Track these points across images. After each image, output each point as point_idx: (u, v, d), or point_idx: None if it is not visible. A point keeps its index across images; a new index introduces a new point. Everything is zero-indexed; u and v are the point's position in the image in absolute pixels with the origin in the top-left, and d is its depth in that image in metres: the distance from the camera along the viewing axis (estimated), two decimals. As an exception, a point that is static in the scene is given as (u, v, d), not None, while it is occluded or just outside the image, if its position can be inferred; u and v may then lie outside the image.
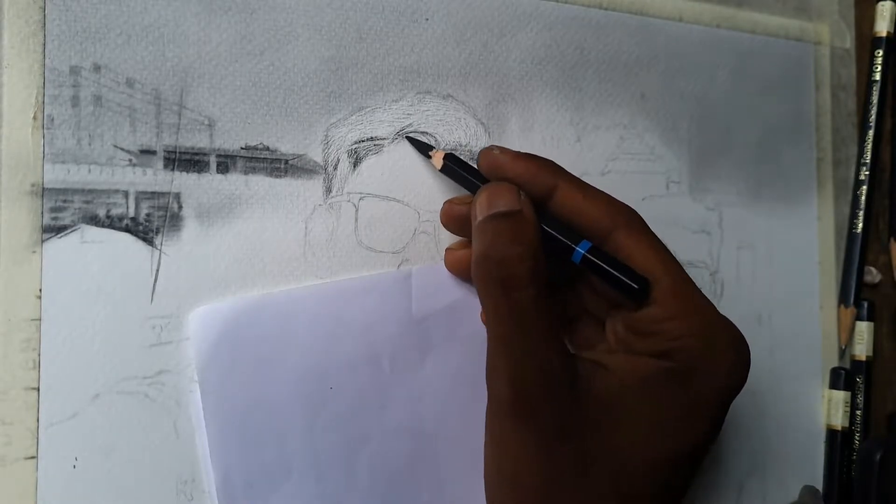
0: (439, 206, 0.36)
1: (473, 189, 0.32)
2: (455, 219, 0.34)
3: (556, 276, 0.33)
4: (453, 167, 0.33)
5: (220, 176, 0.32)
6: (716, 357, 0.29)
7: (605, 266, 0.30)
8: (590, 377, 0.29)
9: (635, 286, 0.29)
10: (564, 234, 0.30)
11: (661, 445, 0.29)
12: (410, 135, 0.35)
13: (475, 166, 0.34)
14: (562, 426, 0.28)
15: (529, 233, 0.29)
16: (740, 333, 0.30)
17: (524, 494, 0.29)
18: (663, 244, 0.31)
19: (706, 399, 0.29)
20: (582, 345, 0.34)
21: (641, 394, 0.29)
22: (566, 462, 0.28)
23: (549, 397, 0.28)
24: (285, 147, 0.33)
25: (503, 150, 0.32)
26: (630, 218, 0.31)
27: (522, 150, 0.33)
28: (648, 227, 0.31)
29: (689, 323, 0.29)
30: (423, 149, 0.35)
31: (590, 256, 0.30)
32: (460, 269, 0.35)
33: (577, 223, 0.31)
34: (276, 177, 0.33)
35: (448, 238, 0.36)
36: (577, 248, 0.30)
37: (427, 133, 0.36)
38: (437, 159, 0.34)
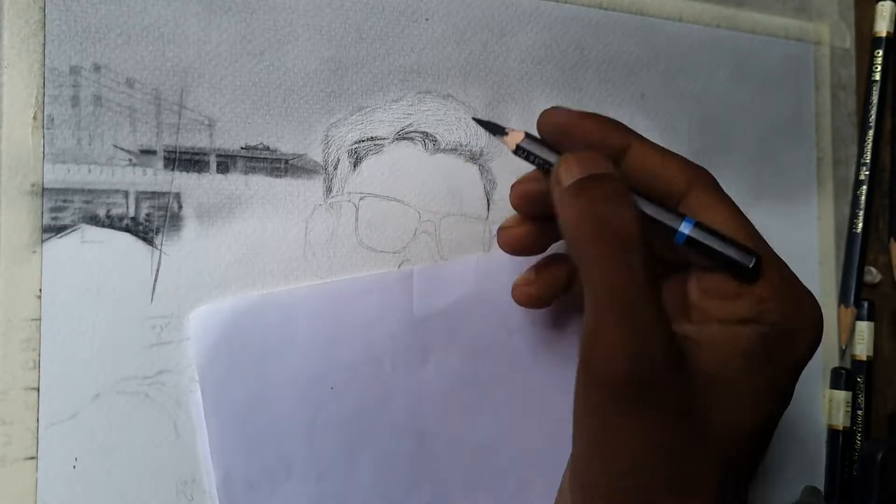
0: (440, 207, 0.35)
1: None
2: (530, 199, 0.31)
3: None
4: (530, 146, 0.30)
5: (220, 176, 0.32)
6: (802, 317, 0.28)
7: (712, 246, 0.27)
8: (686, 353, 0.27)
9: (748, 265, 0.27)
10: (663, 214, 0.28)
11: (757, 414, 0.28)
12: (478, 118, 0.32)
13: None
14: (674, 408, 0.26)
15: (629, 194, 0.27)
16: (812, 293, 0.29)
17: (641, 488, 0.26)
18: (737, 207, 0.29)
19: (794, 361, 0.28)
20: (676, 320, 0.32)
21: (741, 365, 0.27)
22: (678, 446, 0.26)
23: (666, 375, 0.25)
24: (285, 147, 0.33)
25: (569, 110, 0.30)
26: (703, 178, 0.29)
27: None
28: (721, 189, 0.30)
29: (773, 285, 0.28)
30: (496, 129, 0.31)
31: (694, 237, 0.28)
32: (520, 247, 0.33)
33: (654, 184, 0.29)
34: (277, 177, 0.33)
35: (448, 238, 0.36)
36: (681, 229, 0.28)
37: (427, 133, 0.36)
38: (514, 139, 0.30)
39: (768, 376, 0.28)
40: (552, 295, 0.34)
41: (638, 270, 0.25)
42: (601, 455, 0.27)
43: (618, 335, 0.25)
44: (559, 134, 0.30)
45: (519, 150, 0.30)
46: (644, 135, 0.31)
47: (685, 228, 0.28)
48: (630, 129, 0.30)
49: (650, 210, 0.28)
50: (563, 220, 0.27)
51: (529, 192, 0.31)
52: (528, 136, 0.30)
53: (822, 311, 0.29)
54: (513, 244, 0.33)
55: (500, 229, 0.33)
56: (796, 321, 0.28)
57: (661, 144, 0.31)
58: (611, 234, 0.26)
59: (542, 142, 0.30)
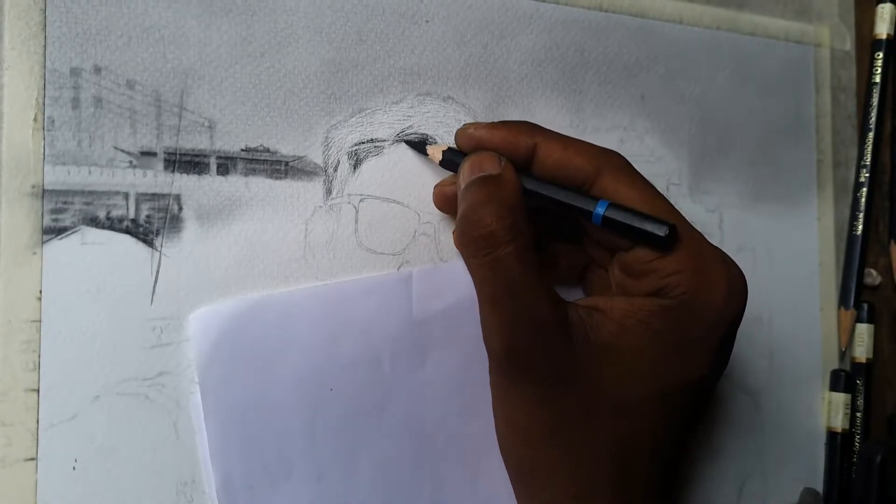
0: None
1: None
2: (447, 199, 0.35)
3: (566, 229, 0.35)
4: (452, 159, 0.34)
5: (220, 177, 0.32)
6: (708, 290, 0.30)
7: (626, 222, 0.30)
8: (586, 323, 0.30)
9: (661, 234, 0.29)
10: (577, 199, 0.31)
11: (659, 380, 0.29)
12: (406, 138, 0.35)
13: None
14: (559, 373, 0.29)
15: (508, 192, 0.30)
16: (733, 263, 0.31)
17: (532, 442, 0.30)
18: (650, 184, 0.32)
19: (703, 332, 0.30)
20: (593, 293, 0.35)
21: (639, 333, 0.29)
22: (567, 407, 0.29)
23: (542, 348, 0.29)
24: (285, 149, 0.33)
25: (477, 125, 0.33)
26: (612, 161, 0.32)
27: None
28: (633, 168, 0.32)
29: (680, 258, 0.30)
30: (420, 147, 0.35)
31: (609, 216, 0.30)
32: (444, 203, 0.35)
33: (562, 174, 0.31)
34: (277, 178, 0.33)
35: (449, 242, 0.36)
36: (595, 210, 0.30)
37: (426, 134, 0.36)
38: (436, 153, 0.34)
39: (668, 346, 0.29)
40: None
41: (504, 265, 0.29)
42: (500, 424, 0.31)
43: (494, 318, 0.29)
44: (475, 147, 0.33)
45: (443, 163, 0.34)
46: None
47: (600, 209, 0.30)
48: (538, 127, 0.33)
49: (565, 198, 0.31)
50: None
51: (446, 193, 0.35)
52: (449, 149, 0.34)
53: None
54: (442, 200, 0.35)
55: (435, 186, 0.35)
56: (702, 295, 0.30)
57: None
58: (476, 234, 0.29)
59: (460, 153, 0.33)
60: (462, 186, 0.31)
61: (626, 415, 0.29)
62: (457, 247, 0.31)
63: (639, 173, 0.32)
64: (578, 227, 0.35)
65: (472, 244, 0.30)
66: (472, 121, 0.36)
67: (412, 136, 0.35)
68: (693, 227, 0.31)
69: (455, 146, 0.34)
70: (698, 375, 0.30)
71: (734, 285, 0.31)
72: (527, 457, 0.30)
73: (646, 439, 0.30)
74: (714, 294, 0.30)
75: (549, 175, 0.32)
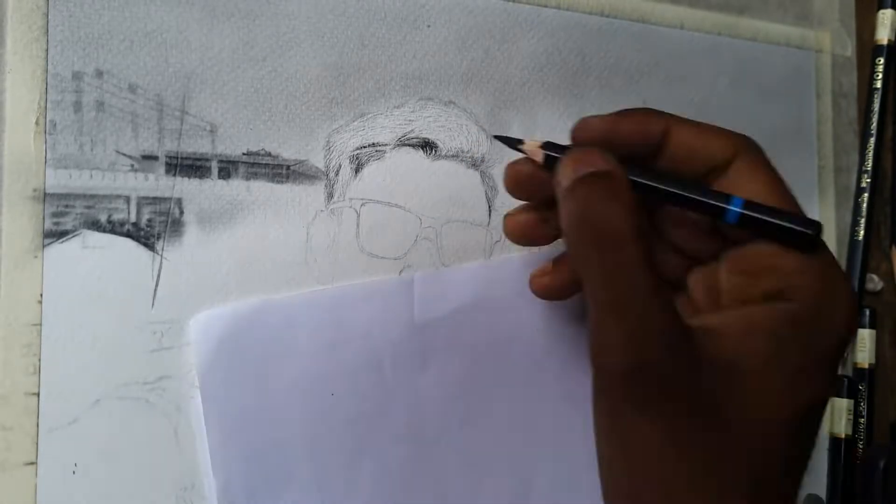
0: (441, 213, 0.35)
1: None
2: (523, 178, 0.31)
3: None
4: (553, 155, 0.29)
5: (221, 181, 0.32)
6: (834, 300, 0.26)
7: (769, 219, 0.26)
8: (702, 343, 0.26)
9: (811, 233, 0.26)
10: (709, 195, 0.27)
11: (787, 405, 0.26)
12: (495, 134, 0.33)
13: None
14: (691, 403, 0.25)
15: (625, 191, 0.26)
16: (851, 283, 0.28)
17: (662, 482, 0.25)
18: (781, 178, 0.28)
19: (828, 345, 0.26)
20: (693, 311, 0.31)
21: (764, 350, 0.25)
22: (700, 438, 0.25)
23: (676, 368, 0.24)
24: (287, 153, 0.33)
25: (601, 117, 0.29)
26: (749, 147, 0.28)
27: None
28: (767, 158, 0.29)
29: (804, 258, 0.26)
30: (512, 143, 0.31)
31: (749, 213, 0.26)
32: (523, 235, 0.32)
33: (698, 162, 0.28)
34: (278, 182, 0.33)
35: (449, 244, 0.36)
36: (731, 208, 0.27)
37: (429, 139, 0.36)
38: (534, 151, 0.30)
39: (798, 362, 0.26)
40: (570, 286, 0.32)
41: (631, 267, 0.25)
42: (618, 456, 0.26)
43: (615, 332, 0.25)
44: (599, 140, 0.29)
45: (547, 160, 0.29)
46: None
47: (735, 206, 0.27)
48: (665, 112, 0.29)
49: (694, 193, 0.27)
50: (561, 222, 0.27)
51: (521, 171, 0.31)
52: (547, 143, 0.30)
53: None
54: (517, 230, 0.32)
55: (506, 216, 0.33)
56: (830, 300, 0.26)
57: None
58: (599, 235, 0.26)
59: (562, 146, 0.29)
60: (565, 184, 0.27)
61: (759, 445, 0.25)
62: (568, 249, 0.27)
63: (771, 164, 0.28)
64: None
65: (593, 245, 0.26)
66: (475, 125, 0.36)
67: (416, 140, 0.35)
68: None
69: (551, 142, 0.30)
70: (826, 393, 0.27)
71: (855, 303, 0.27)
72: (655, 499, 0.26)
73: (777, 467, 0.26)
74: (839, 305, 0.26)
75: (679, 164, 0.28)
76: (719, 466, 0.25)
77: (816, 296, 0.26)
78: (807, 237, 0.26)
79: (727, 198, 0.27)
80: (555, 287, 0.32)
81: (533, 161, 0.30)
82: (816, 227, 0.26)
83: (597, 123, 0.29)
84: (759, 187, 0.27)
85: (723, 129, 0.29)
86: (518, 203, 0.32)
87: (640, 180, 0.28)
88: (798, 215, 0.27)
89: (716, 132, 0.29)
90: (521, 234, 0.32)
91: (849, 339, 0.27)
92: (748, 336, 0.26)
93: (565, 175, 0.27)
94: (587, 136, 0.29)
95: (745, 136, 0.29)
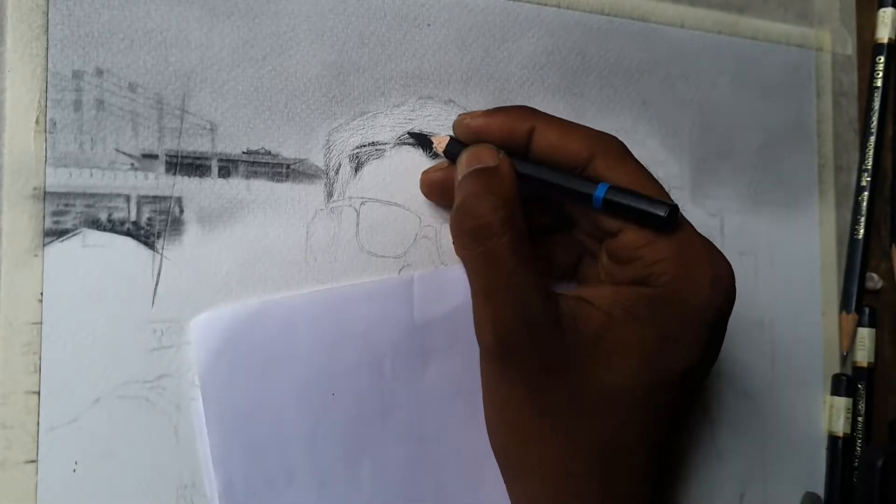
0: (441, 212, 0.36)
1: None
2: (434, 185, 0.35)
3: (558, 220, 0.35)
4: (453, 150, 0.33)
5: (221, 180, 0.32)
6: (692, 279, 0.30)
7: (627, 203, 0.30)
8: (575, 314, 0.30)
9: (662, 214, 0.29)
10: (576, 182, 0.31)
11: (646, 372, 0.29)
12: (410, 130, 0.35)
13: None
14: (548, 365, 0.29)
15: (504, 185, 0.30)
16: (720, 254, 0.31)
17: (520, 434, 0.30)
18: (643, 168, 0.32)
19: (688, 322, 0.30)
20: (587, 284, 0.35)
21: (625, 323, 0.29)
22: (555, 398, 0.29)
23: (531, 340, 0.29)
24: (287, 151, 0.33)
25: (474, 114, 0.33)
26: (608, 145, 0.32)
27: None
28: (628, 152, 0.32)
29: (666, 246, 0.30)
30: (424, 140, 0.35)
31: (610, 198, 0.30)
32: (431, 189, 0.35)
33: (558, 158, 0.31)
34: (278, 181, 0.33)
35: (449, 243, 0.36)
36: (596, 193, 0.30)
37: (429, 138, 0.36)
38: (440, 144, 0.34)
39: (654, 336, 0.29)
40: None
41: (498, 255, 0.29)
42: (489, 415, 0.31)
43: (485, 310, 0.30)
44: (473, 136, 0.33)
45: (446, 153, 0.34)
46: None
47: (600, 192, 0.30)
48: (535, 111, 0.33)
49: (564, 181, 0.31)
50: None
51: (432, 179, 0.35)
52: (452, 139, 0.34)
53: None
54: (429, 186, 0.35)
55: (423, 173, 0.35)
56: (686, 284, 0.30)
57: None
58: (470, 225, 0.30)
59: (461, 144, 0.33)
60: (459, 178, 0.31)
61: (615, 406, 0.29)
62: (451, 236, 0.32)
63: (633, 158, 0.32)
64: (571, 218, 0.35)
65: (465, 235, 0.30)
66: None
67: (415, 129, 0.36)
68: (684, 217, 0.31)
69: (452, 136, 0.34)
70: (686, 366, 0.30)
71: (719, 275, 0.30)
72: (514, 448, 0.31)
73: (634, 431, 0.30)
74: (698, 283, 0.30)
75: (545, 159, 0.32)
76: (571, 422, 0.29)
77: (675, 281, 0.30)
78: (660, 219, 0.29)
79: (593, 185, 0.30)
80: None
81: (441, 169, 0.34)
82: (671, 208, 0.29)
83: (469, 121, 0.33)
84: (621, 179, 0.30)
85: (587, 129, 0.32)
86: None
87: (520, 171, 0.31)
88: (654, 199, 0.30)
89: (577, 132, 0.32)
90: (430, 187, 0.35)
91: (714, 307, 0.30)
92: (612, 309, 0.30)
93: (460, 170, 0.32)
94: (463, 132, 0.33)
95: (607, 134, 0.32)
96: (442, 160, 0.35)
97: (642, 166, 0.32)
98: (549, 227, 0.35)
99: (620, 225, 0.30)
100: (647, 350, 0.29)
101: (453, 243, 0.32)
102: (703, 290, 0.30)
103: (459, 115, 0.34)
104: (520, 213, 0.30)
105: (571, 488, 0.29)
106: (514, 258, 0.29)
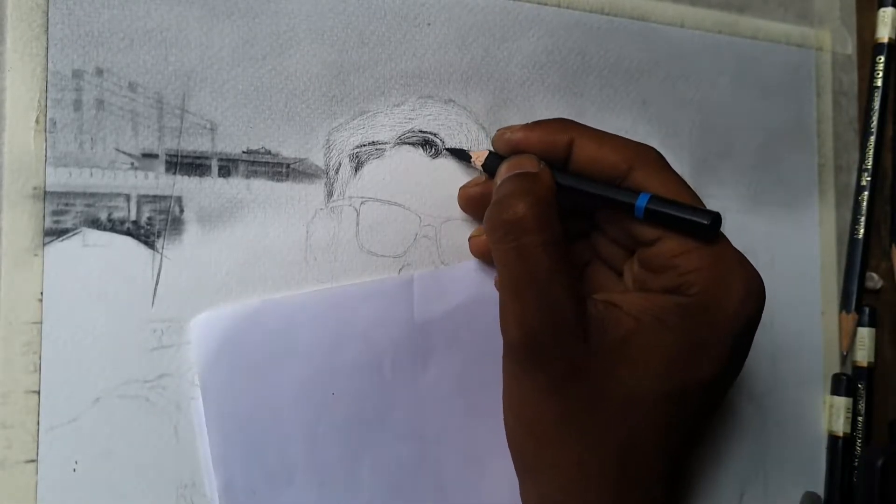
0: (441, 211, 0.36)
1: None
2: (472, 200, 0.35)
3: (570, 227, 0.34)
4: (493, 163, 0.34)
5: (221, 180, 0.32)
6: (725, 290, 0.30)
7: (671, 213, 0.30)
8: (604, 317, 0.29)
9: (706, 223, 0.29)
10: (618, 192, 0.31)
11: (670, 379, 0.29)
12: (449, 146, 0.36)
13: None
14: (571, 368, 0.29)
15: (542, 188, 0.30)
16: (752, 267, 0.31)
17: (538, 434, 0.30)
18: (680, 178, 0.32)
19: (717, 333, 0.30)
20: (594, 290, 0.35)
21: (654, 330, 0.29)
22: (576, 400, 0.29)
23: (557, 340, 0.29)
24: (287, 151, 0.33)
25: (513, 128, 0.33)
26: (646, 157, 0.32)
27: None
28: (666, 162, 0.32)
29: (701, 257, 0.30)
30: (463, 156, 0.36)
31: (653, 207, 0.30)
32: (469, 204, 0.36)
33: (597, 170, 0.32)
34: (278, 181, 0.33)
35: (449, 243, 0.36)
36: (638, 203, 0.30)
37: (432, 133, 0.36)
38: (479, 158, 0.34)
39: (682, 345, 0.29)
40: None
41: (533, 251, 0.29)
42: (508, 413, 0.31)
43: (514, 306, 0.29)
44: (512, 150, 0.33)
45: (485, 167, 0.34)
46: (645, 141, 0.32)
47: (642, 201, 0.30)
48: (574, 123, 0.33)
49: (605, 191, 0.31)
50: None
51: (470, 194, 0.35)
52: (491, 153, 0.34)
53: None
54: (482, 250, 0.35)
55: (470, 238, 0.36)
56: (718, 295, 0.30)
57: (663, 150, 0.32)
58: (505, 218, 0.29)
59: (500, 157, 0.33)
60: (498, 182, 0.32)
61: (636, 411, 0.29)
62: (485, 232, 0.31)
63: (671, 168, 0.32)
64: (587, 226, 0.35)
65: (500, 228, 0.30)
66: (474, 123, 0.36)
67: (421, 134, 0.36)
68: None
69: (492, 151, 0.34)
70: (710, 376, 0.30)
71: (751, 288, 0.30)
72: (531, 448, 0.30)
73: (652, 437, 0.30)
74: (730, 295, 0.30)
75: (584, 171, 0.32)
76: (590, 426, 0.29)
77: (707, 291, 0.30)
78: (703, 227, 0.29)
79: (634, 195, 0.30)
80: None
81: (481, 184, 0.35)
82: (714, 217, 0.29)
83: (509, 135, 0.33)
84: (659, 189, 0.31)
85: (625, 140, 0.32)
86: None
87: (560, 182, 0.31)
88: (697, 208, 0.30)
89: (616, 143, 0.32)
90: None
91: (743, 321, 0.30)
92: (641, 315, 0.30)
93: (500, 175, 0.32)
94: (503, 146, 0.33)
95: (645, 145, 0.32)
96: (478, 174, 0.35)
97: (679, 176, 0.32)
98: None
99: (658, 234, 0.31)
100: (674, 357, 0.29)
101: (487, 237, 0.31)
102: (734, 302, 0.30)
103: (499, 130, 0.34)
104: (556, 218, 0.30)
105: (585, 491, 0.29)
106: (546, 258, 0.29)
